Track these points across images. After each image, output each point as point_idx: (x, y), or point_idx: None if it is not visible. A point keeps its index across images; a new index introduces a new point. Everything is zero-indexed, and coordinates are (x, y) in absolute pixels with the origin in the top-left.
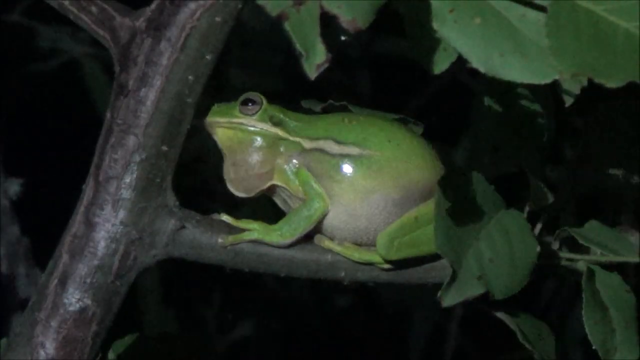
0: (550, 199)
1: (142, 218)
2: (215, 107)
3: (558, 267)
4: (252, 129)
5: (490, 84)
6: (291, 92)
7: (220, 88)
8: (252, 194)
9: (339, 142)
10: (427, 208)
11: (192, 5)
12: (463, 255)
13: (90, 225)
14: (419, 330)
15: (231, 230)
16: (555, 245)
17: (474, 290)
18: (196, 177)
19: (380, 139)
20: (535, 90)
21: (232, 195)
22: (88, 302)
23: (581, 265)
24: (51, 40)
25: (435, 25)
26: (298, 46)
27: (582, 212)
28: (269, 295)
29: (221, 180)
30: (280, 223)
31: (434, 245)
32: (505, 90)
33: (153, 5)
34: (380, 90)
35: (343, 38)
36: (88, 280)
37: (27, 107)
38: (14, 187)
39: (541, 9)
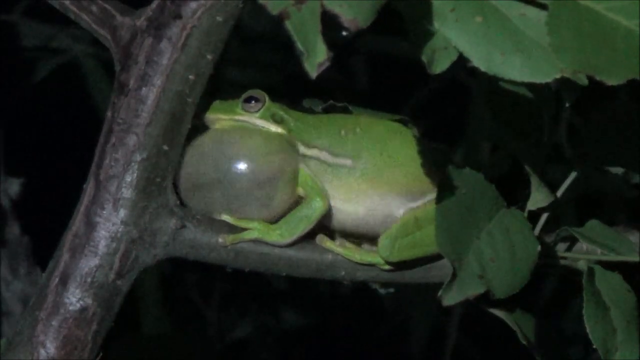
0: (551, 198)
1: (142, 217)
2: (217, 103)
3: (558, 266)
4: (253, 126)
5: (490, 83)
6: (290, 91)
7: (218, 86)
8: None
9: (333, 154)
10: (429, 208)
11: (193, 5)
12: (464, 255)
13: (91, 224)
14: (419, 330)
15: (231, 229)
16: (556, 245)
17: (474, 289)
18: None
19: (373, 152)
20: (535, 89)
21: None
22: (89, 301)
23: (582, 265)
24: (51, 40)
25: (436, 24)
26: (299, 45)
27: (582, 212)
28: (269, 295)
29: None
30: (281, 222)
31: (435, 245)
32: (505, 89)
33: (154, 5)
34: (379, 90)
35: (344, 33)
36: (89, 280)
37: (27, 107)
38: (14, 187)
39: (542, 7)
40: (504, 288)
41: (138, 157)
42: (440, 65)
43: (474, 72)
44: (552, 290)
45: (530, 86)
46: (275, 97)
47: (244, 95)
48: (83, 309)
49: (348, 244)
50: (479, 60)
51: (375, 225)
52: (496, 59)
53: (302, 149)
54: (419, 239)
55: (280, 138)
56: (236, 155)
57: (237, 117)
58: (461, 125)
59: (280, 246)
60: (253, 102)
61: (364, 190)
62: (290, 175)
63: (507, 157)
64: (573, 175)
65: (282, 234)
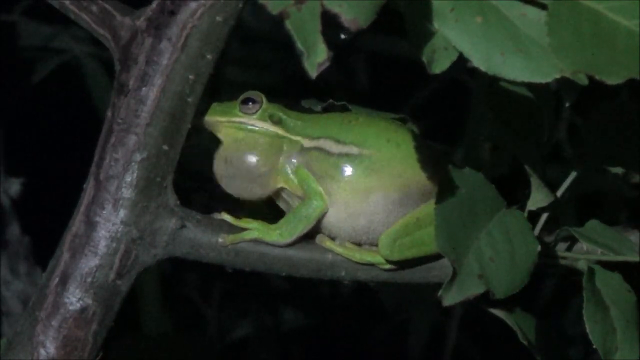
0: (551, 198)
1: (142, 217)
2: (215, 106)
3: (558, 266)
4: (252, 127)
5: (490, 83)
6: (290, 91)
7: (218, 86)
8: (251, 196)
9: (338, 142)
10: (429, 208)
11: (193, 5)
12: (464, 255)
13: (91, 224)
14: (419, 330)
15: (231, 229)
16: (556, 245)
17: (474, 289)
18: (196, 176)
19: (379, 139)
20: (535, 89)
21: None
22: (89, 301)
23: (582, 265)
24: (51, 40)
25: (436, 24)
26: (299, 45)
27: (582, 212)
28: (269, 295)
29: None
30: (280, 222)
31: (435, 245)
32: (505, 89)
33: (154, 5)
34: (379, 90)
35: (343, 36)
36: (89, 280)
37: (27, 107)
38: (14, 186)
39: (542, 7)
40: (504, 288)
41: (138, 157)
42: (440, 65)
43: (474, 72)
44: (552, 290)
45: (530, 86)
46: (275, 97)
47: (241, 97)
48: (83, 309)
49: (348, 244)
50: (479, 60)
51: (376, 227)
52: (496, 59)
53: (306, 143)
54: (420, 238)
55: (274, 140)
56: (244, 159)
57: (235, 119)
58: (461, 125)
59: (280, 246)
60: (250, 103)
61: (367, 186)
62: (276, 168)
63: (507, 157)
64: (573, 175)
65: (282, 233)
